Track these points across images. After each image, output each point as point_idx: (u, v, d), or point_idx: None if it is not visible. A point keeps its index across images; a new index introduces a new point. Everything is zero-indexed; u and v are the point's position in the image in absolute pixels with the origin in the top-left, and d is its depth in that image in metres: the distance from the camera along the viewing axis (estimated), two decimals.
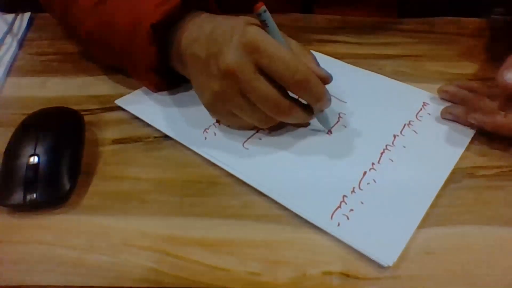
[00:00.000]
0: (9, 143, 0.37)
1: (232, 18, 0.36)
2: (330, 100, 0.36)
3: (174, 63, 0.41)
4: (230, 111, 0.36)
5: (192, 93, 0.43)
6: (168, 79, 0.43)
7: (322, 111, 0.38)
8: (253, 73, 0.33)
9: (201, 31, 0.36)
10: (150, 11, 0.38)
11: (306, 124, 0.40)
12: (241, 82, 0.33)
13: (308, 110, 0.37)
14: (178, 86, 0.44)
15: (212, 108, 0.37)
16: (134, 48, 0.39)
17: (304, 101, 0.37)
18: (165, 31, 0.39)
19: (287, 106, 0.35)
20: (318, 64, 0.35)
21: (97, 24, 0.42)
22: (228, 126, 0.40)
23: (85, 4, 0.42)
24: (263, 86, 0.33)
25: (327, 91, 0.35)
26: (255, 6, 0.33)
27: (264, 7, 0.33)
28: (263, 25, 0.34)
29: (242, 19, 0.35)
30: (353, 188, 0.35)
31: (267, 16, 0.33)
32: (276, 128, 0.39)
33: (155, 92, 0.44)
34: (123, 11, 0.40)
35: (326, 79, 0.35)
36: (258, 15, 0.33)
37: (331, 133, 0.40)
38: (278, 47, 0.33)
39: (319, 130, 0.40)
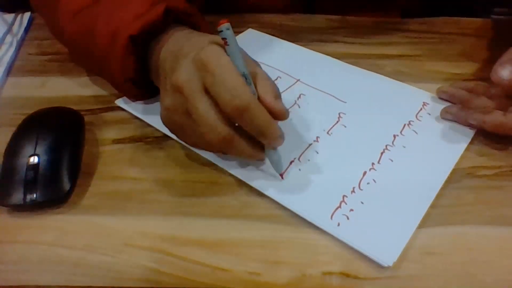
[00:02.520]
0: (9, 143, 0.37)
1: (203, 36, 0.35)
2: (281, 137, 0.32)
3: (153, 77, 0.40)
4: (181, 128, 0.34)
5: None
6: (148, 89, 0.42)
7: (274, 149, 0.34)
8: (198, 91, 0.31)
9: (176, 49, 0.35)
10: (130, 21, 0.37)
11: (258, 162, 0.37)
12: (186, 99, 0.31)
13: (258, 147, 0.33)
14: (157, 95, 0.43)
15: (164, 122, 0.35)
16: (112, 58, 0.38)
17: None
18: (146, 42, 0.39)
19: (226, 135, 0.31)
20: (277, 98, 0.32)
21: (78, 30, 0.41)
22: (186, 144, 0.37)
23: (68, 9, 0.42)
24: (204, 107, 0.30)
25: (277, 127, 0.32)
26: (219, 23, 0.30)
27: (226, 25, 0.30)
28: (225, 43, 0.31)
29: (208, 37, 0.33)
30: (353, 188, 0.35)
31: (228, 34, 0.30)
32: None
33: (134, 101, 0.43)
34: (103, 20, 0.39)
35: (279, 115, 0.31)
36: (219, 32, 0.30)
37: (283, 178, 0.36)
38: (228, 69, 0.30)
39: (272, 174, 0.36)
